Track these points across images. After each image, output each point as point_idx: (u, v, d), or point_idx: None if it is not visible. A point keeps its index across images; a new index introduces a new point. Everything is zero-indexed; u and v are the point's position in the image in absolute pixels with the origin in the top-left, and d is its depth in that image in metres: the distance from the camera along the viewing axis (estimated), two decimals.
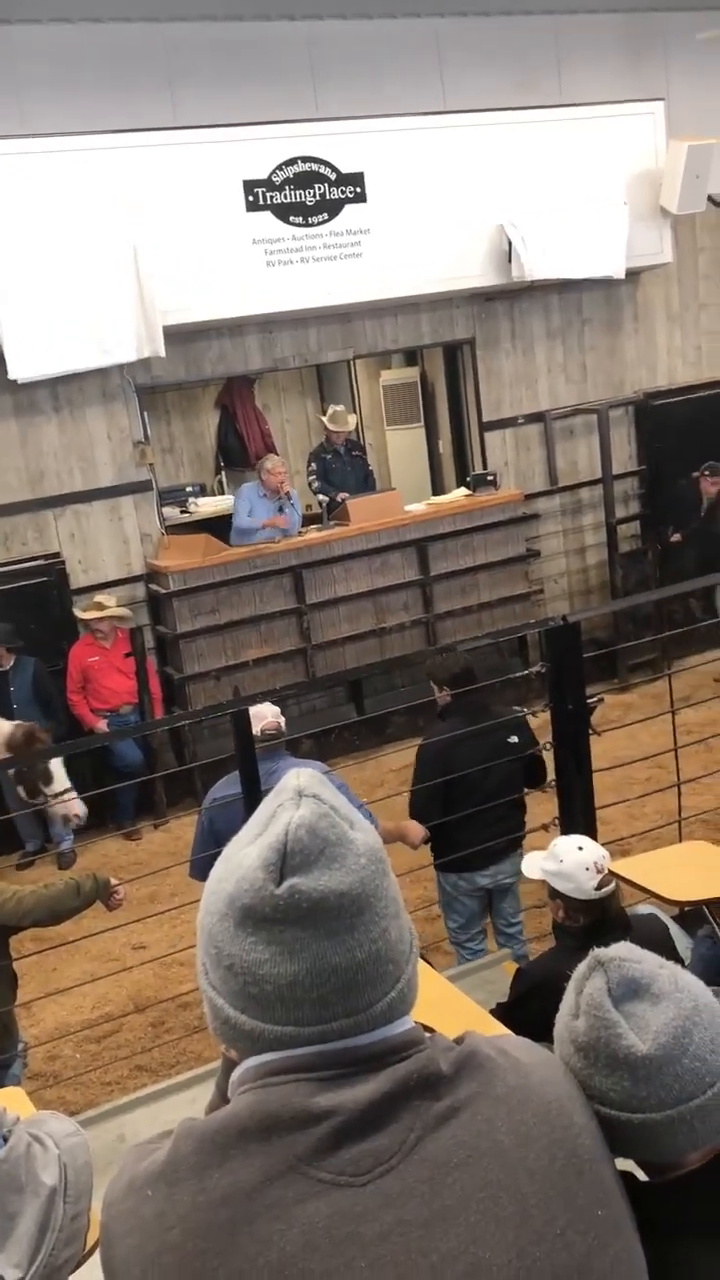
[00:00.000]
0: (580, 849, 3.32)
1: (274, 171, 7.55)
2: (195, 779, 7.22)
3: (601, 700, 4.97)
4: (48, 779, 6.06)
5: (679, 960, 3.26)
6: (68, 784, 6.14)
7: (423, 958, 1.39)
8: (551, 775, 4.66)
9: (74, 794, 6.13)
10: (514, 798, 4.90)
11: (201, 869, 4.67)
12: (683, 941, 3.93)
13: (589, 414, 9.20)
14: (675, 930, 3.85)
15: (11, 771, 6.09)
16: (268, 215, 7.56)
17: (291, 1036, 1.10)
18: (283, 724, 4.69)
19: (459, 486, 9.07)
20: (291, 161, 7.59)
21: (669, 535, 9.31)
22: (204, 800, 5.02)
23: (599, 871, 3.28)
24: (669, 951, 3.33)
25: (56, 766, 6.17)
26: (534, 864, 3.44)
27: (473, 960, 4.93)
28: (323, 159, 7.67)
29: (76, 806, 6.21)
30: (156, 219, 7.19)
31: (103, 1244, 1.13)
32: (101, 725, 7.43)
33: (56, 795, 6.00)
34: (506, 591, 8.69)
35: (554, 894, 3.36)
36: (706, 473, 8.83)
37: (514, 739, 4.88)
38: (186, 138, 7.31)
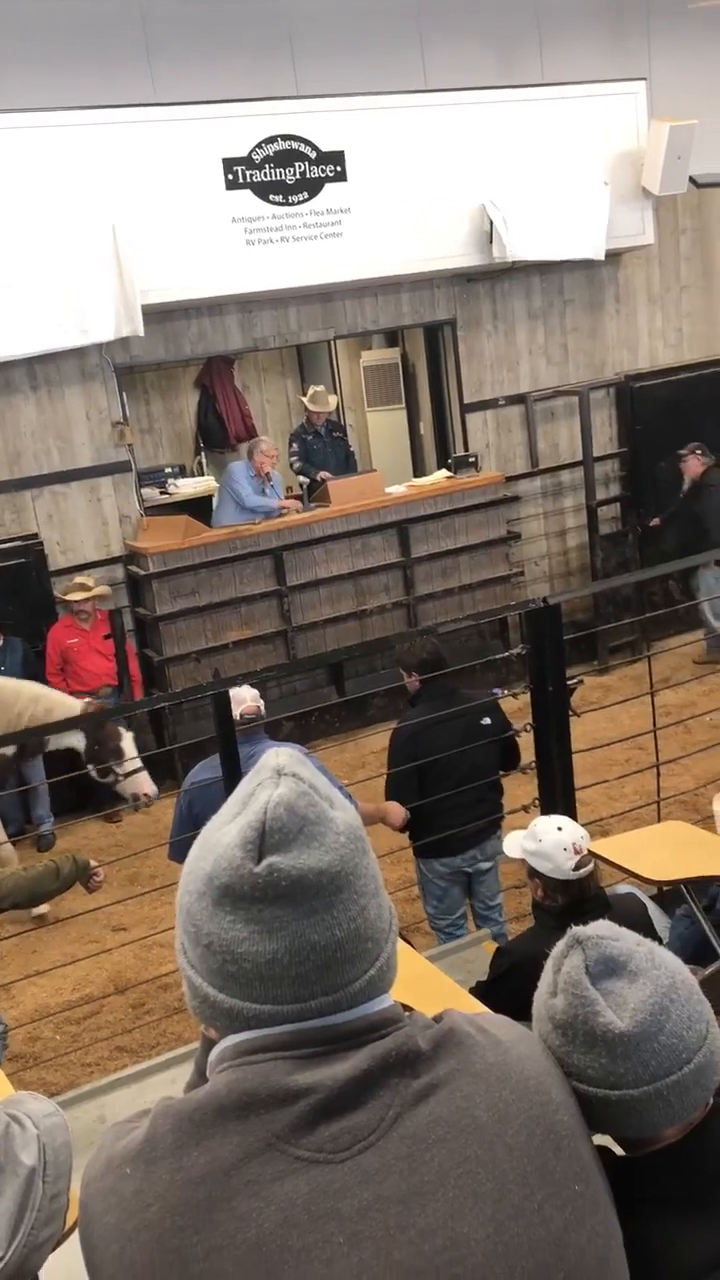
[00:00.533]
0: (560, 829, 3.33)
1: (254, 149, 7.48)
2: (175, 761, 7.21)
3: (581, 682, 4.99)
4: (119, 755, 6.09)
5: (657, 939, 3.29)
6: (139, 761, 6.15)
7: (402, 938, 1.39)
8: (531, 756, 4.68)
9: (145, 771, 6.16)
10: (489, 780, 4.90)
11: (180, 851, 4.67)
12: (661, 921, 3.96)
13: (570, 396, 9.20)
14: (654, 910, 3.88)
15: (83, 748, 6.15)
16: (247, 193, 7.50)
17: (270, 1015, 1.10)
18: (262, 707, 4.68)
19: (440, 468, 9.05)
20: (271, 139, 7.53)
21: (648, 520, 9.32)
22: (183, 782, 5.02)
23: (577, 852, 3.29)
24: (647, 930, 3.35)
25: (129, 744, 6.19)
26: (514, 843, 3.46)
27: (468, 937, 4.94)
28: (303, 137, 7.61)
29: (147, 785, 6.24)
30: (135, 196, 7.12)
31: (81, 1222, 1.13)
32: None
33: (129, 774, 6.01)
34: (487, 574, 8.69)
35: (533, 873, 3.37)
36: (699, 451, 8.80)
37: (487, 721, 4.87)
38: (166, 114, 7.24)
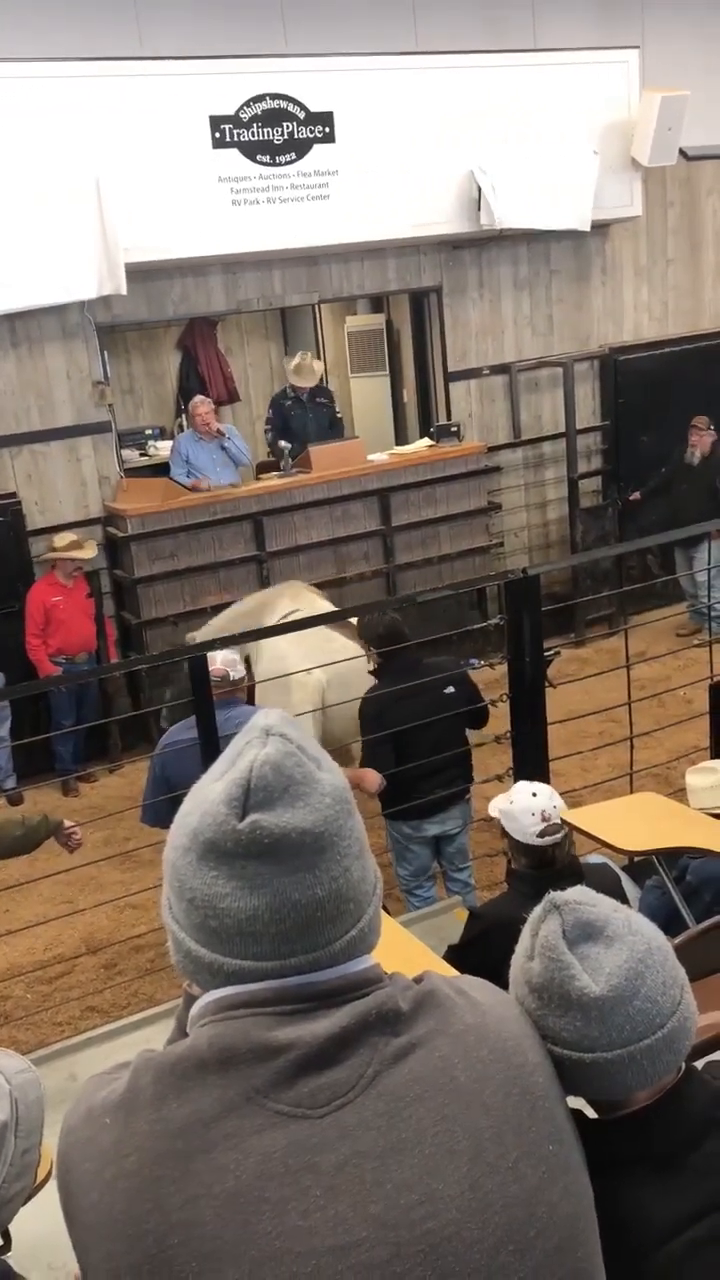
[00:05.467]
0: (534, 795, 3.37)
1: (241, 108, 7.37)
2: (150, 724, 7.19)
3: (558, 654, 5.02)
4: None
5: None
6: None
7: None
8: (507, 727, 4.70)
9: None
10: (459, 750, 4.97)
11: (154, 814, 4.69)
12: (632, 891, 4.00)
13: (554, 367, 9.17)
14: (625, 880, 3.92)
15: None
16: (234, 153, 7.40)
17: (250, 971, 1.11)
18: (232, 674, 4.67)
19: (422, 437, 9.02)
20: (260, 98, 7.41)
21: (628, 494, 9.32)
22: (157, 745, 5.02)
23: (545, 820, 3.32)
24: (621, 900, 3.38)
25: None
26: (495, 802, 3.50)
27: (423, 907, 5.01)
28: (292, 97, 7.50)
29: None
30: (120, 153, 7.01)
31: (59, 1171, 1.14)
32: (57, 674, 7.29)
33: None
34: (467, 544, 8.69)
35: (504, 833, 3.42)
36: (712, 426, 8.77)
37: (451, 690, 4.93)
38: (153, 69, 7.11)
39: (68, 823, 4.28)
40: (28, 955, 5.50)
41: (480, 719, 5.05)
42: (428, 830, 5.03)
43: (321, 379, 9.29)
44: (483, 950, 3.13)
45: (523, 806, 3.35)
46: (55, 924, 5.46)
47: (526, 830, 3.33)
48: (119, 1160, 1.07)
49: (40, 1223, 1.68)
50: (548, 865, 3.33)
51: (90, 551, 7.38)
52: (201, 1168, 1.04)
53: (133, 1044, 3.86)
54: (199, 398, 8.49)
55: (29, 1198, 1.69)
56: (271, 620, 5.79)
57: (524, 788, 3.43)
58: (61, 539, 7.34)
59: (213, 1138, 1.05)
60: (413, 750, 4.80)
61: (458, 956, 3.26)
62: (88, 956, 5.37)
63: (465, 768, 5.07)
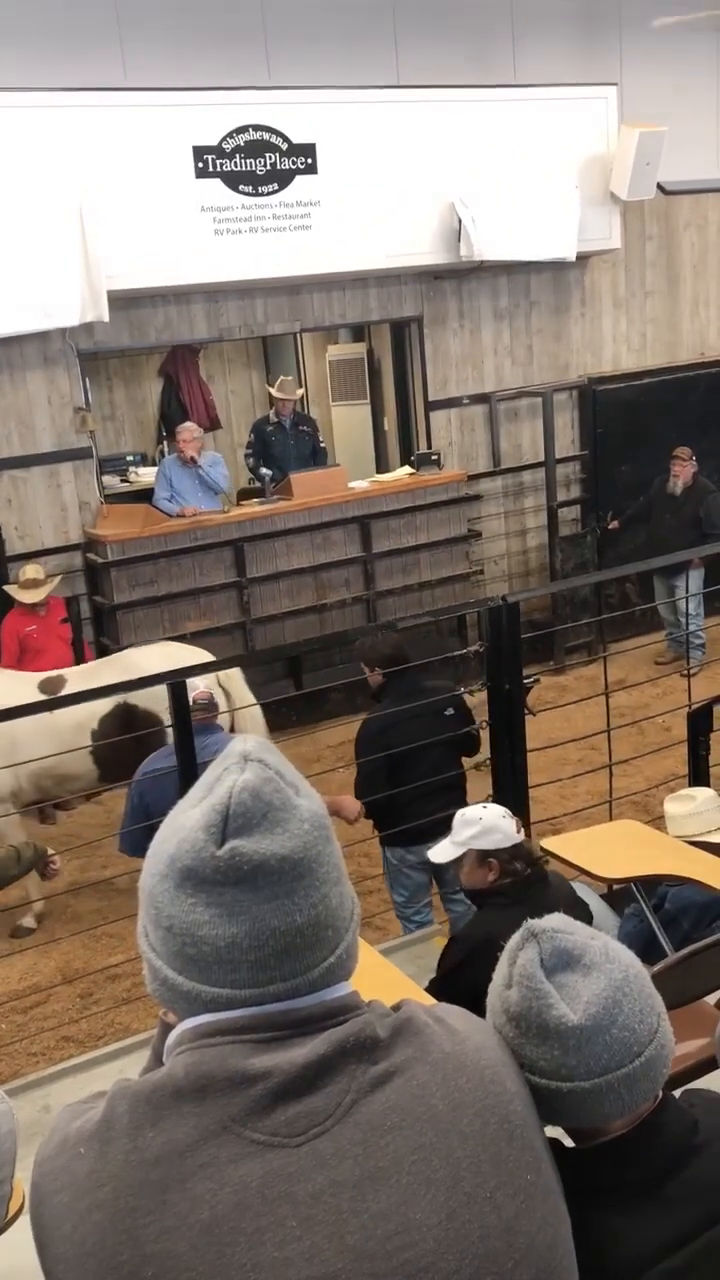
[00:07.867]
0: (485, 808, 3.42)
1: (225, 138, 7.44)
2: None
3: (538, 681, 5.04)
4: None
5: (587, 917, 3.34)
6: None
7: None
8: (487, 754, 4.71)
9: None
10: (457, 771, 4.95)
11: (131, 842, 4.67)
12: (609, 920, 4.00)
13: (534, 397, 9.24)
14: (599, 906, 3.92)
15: None
16: (217, 183, 7.46)
17: (228, 998, 1.10)
18: (214, 696, 4.67)
19: (403, 465, 9.06)
20: (243, 129, 7.48)
21: (607, 522, 9.37)
22: (136, 773, 5.00)
23: (513, 817, 3.38)
24: (576, 905, 3.42)
25: None
26: (444, 850, 3.44)
27: (421, 930, 4.98)
28: (274, 128, 7.58)
29: None
30: (104, 181, 7.05)
31: (33, 1202, 1.12)
32: None
33: None
34: (447, 571, 8.72)
35: (484, 858, 3.36)
36: (693, 456, 8.82)
37: (450, 711, 4.92)
38: (137, 99, 7.18)
39: (49, 851, 4.28)
40: (2, 985, 5.44)
41: (472, 745, 5.02)
42: (424, 854, 4.98)
43: (302, 405, 9.33)
44: (470, 973, 3.10)
45: (493, 815, 3.37)
46: (30, 953, 5.41)
47: (510, 832, 3.33)
48: (93, 1190, 1.05)
49: (12, 1256, 1.66)
50: (533, 861, 3.34)
51: (37, 596, 7.10)
52: (177, 1198, 1.03)
53: (108, 1074, 3.82)
54: (188, 424, 8.50)
55: (1, 1230, 1.67)
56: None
57: (471, 813, 3.43)
58: (24, 572, 7.24)
59: (189, 1167, 1.04)
60: (411, 773, 4.75)
61: (443, 984, 3.23)
62: (63, 986, 5.31)
63: (460, 791, 4.99)
